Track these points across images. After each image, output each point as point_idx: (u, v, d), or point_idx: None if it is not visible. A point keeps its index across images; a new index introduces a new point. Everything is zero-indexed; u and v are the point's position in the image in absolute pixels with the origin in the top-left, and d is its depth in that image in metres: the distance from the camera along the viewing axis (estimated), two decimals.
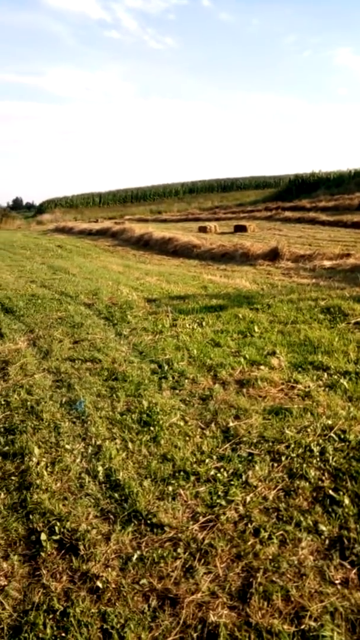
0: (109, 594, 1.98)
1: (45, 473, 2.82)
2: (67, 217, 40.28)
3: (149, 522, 2.39)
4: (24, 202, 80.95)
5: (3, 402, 3.86)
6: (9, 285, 9.06)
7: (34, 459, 2.97)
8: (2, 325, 6.12)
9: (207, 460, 2.88)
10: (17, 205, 75.15)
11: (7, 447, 3.15)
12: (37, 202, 63.45)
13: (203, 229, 19.26)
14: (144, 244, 16.28)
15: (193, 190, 53.89)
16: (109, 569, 2.10)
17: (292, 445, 2.96)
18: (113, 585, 2.02)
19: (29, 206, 73.45)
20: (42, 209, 53.20)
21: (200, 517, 2.41)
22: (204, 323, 5.79)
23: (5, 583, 2.06)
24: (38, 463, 2.93)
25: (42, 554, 2.21)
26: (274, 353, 4.58)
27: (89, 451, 3.07)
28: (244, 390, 3.85)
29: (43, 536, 2.31)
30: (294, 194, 32.22)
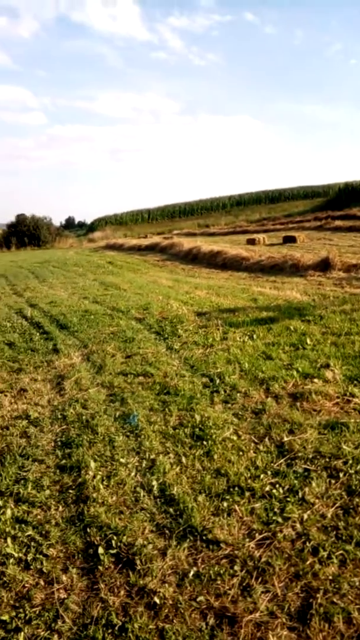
0: (166, 611, 1.98)
1: (101, 486, 2.87)
2: (117, 234, 41.15)
3: (204, 538, 2.37)
4: (76, 221, 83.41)
5: (60, 416, 3.96)
6: (63, 302, 9.33)
7: (90, 473, 3.02)
8: (57, 341, 6.30)
9: (261, 476, 2.84)
10: (69, 224, 77.55)
11: (64, 461, 3.22)
12: (88, 221, 65.32)
13: (251, 241, 19.17)
14: (193, 258, 16.37)
15: (240, 202, 53.87)
16: (166, 585, 2.10)
17: (350, 461, 2.87)
18: (170, 602, 2.02)
19: (81, 224, 75.60)
20: (93, 227, 54.68)
21: (257, 534, 2.37)
22: (254, 336, 5.75)
23: (65, 596, 2.10)
24: (94, 476, 2.98)
25: (100, 568, 2.24)
26: (327, 366, 4.48)
27: (143, 465, 3.10)
28: (298, 404, 3.78)
29: (100, 550, 2.33)
30: (344, 203, 31.59)
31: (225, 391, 4.16)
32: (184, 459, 3.11)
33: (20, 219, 38.59)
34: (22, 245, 36.28)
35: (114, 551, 2.33)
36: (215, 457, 3.11)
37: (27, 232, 36.90)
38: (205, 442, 3.29)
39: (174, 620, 1.94)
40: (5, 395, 4.53)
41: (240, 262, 13.33)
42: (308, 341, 5.28)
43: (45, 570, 2.25)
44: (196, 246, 17.31)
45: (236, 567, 2.17)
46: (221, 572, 2.15)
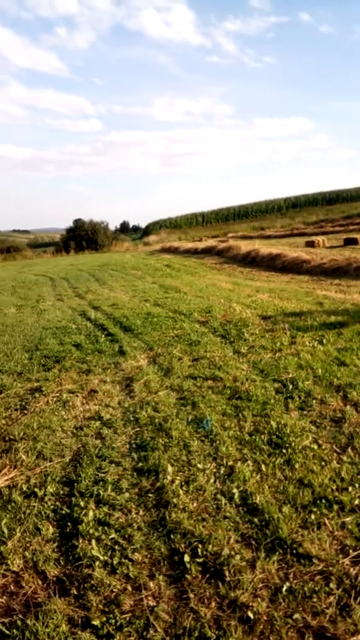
0: (261, 626, 1.89)
1: (180, 492, 2.81)
2: (172, 238, 41.41)
3: (294, 551, 2.27)
4: (131, 225, 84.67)
5: (132, 419, 3.95)
6: (125, 304, 9.42)
7: (168, 477, 2.97)
8: (122, 343, 6.34)
9: (349, 489, 2.70)
10: (124, 228, 78.83)
11: (141, 464, 3.20)
12: (142, 224, 66.23)
13: (310, 244, 18.71)
14: (251, 260, 16.18)
15: (296, 204, 53.00)
16: (259, 599, 2.02)
17: None
18: (264, 617, 1.93)
19: (135, 228, 76.72)
20: (148, 230, 55.38)
21: (350, 551, 2.24)
22: (324, 341, 5.56)
23: (154, 604, 2.06)
24: (172, 481, 2.93)
25: (187, 577, 2.18)
26: None
27: (221, 472, 3.02)
28: None
29: (186, 558, 2.28)
30: None
31: (299, 397, 4.02)
32: (263, 467, 3.01)
33: (79, 223, 39.58)
34: (81, 249, 37.20)
35: (200, 560, 2.27)
36: (297, 466, 2.99)
37: (85, 237, 37.81)
38: (284, 450, 3.18)
39: (270, 638, 1.85)
40: (77, 396, 4.58)
41: (300, 264, 13.03)
42: None
43: (132, 576, 2.22)
44: (254, 249, 17.10)
45: (332, 585, 2.06)
46: (316, 589, 2.04)
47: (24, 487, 3.00)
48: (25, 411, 4.28)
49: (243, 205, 56.53)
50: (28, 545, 2.49)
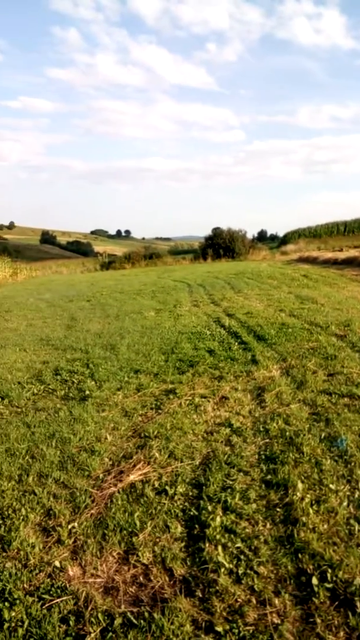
0: None
1: (310, 511, 2.72)
2: (311, 247, 40.19)
3: None
4: (268, 234, 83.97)
5: (262, 429, 3.91)
6: (260, 313, 9.36)
7: (298, 494, 2.89)
8: (255, 352, 6.31)
9: None
10: (261, 237, 78.34)
11: (269, 476, 3.15)
12: (280, 233, 65.31)
13: None
14: None
15: None
16: None
17: None
18: None
19: (273, 237, 75.94)
20: (285, 239, 54.46)
21: None
22: None
23: (279, 622, 2.01)
24: (302, 499, 2.84)
25: (315, 600, 2.09)
26: None
27: (356, 496, 2.85)
28: None
29: (314, 580, 2.19)
30: None
31: None
32: None
33: (217, 232, 40.25)
34: (217, 257, 37.78)
35: (329, 585, 2.17)
36: None
37: (222, 245, 38.33)
38: None
39: None
40: (209, 401, 4.67)
41: None
42: None
43: (256, 589, 2.19)
44: None
45: None
46: None
47: (156, 484, 3.13)
48: (160, 411, 4.46)
49: None
50: (157, 540, 2.59)
